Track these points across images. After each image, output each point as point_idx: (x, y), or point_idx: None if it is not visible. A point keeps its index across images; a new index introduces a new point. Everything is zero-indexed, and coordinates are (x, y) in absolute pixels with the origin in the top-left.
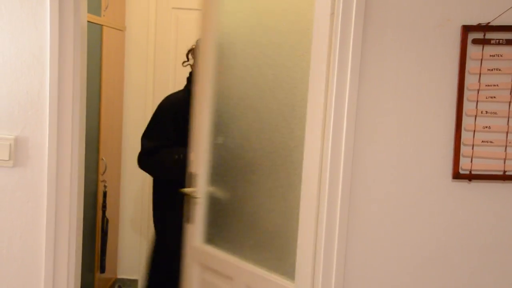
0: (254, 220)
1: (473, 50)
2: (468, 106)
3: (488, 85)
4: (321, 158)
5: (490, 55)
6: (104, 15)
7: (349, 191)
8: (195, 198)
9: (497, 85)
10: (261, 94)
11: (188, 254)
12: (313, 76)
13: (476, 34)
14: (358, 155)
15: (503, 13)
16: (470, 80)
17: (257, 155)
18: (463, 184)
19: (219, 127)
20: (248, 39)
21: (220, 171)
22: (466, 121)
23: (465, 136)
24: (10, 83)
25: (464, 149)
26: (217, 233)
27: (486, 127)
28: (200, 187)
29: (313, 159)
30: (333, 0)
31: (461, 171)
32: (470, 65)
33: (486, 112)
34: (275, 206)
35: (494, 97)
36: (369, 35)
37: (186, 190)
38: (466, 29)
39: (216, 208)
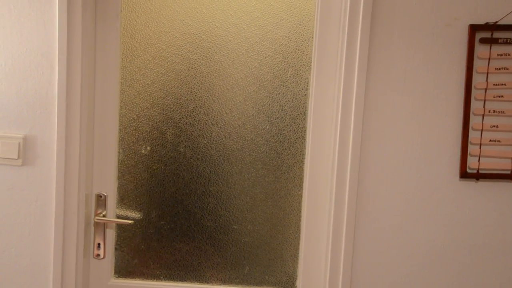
0: (221, 234)
1: (480, 49)
2: (475, 105)
3: (496, 84)
4: (328, 159)
5: (498, 54)
6: None
7: (356, 191)
8: (105, 222)
9: (505, 84)
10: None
11: None
12: (319, 75)
13: (483, 33)
14: (365, 154)
15: (510, 12)
16: (478, 79)
17: (224, 162)
18: (470, 183)
19: (140, 135)
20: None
21: (142, 189)
22: (474, 120)
23: (473, 135)
24: (18, 82)
25: (471, 148)
26: (144, 261)
27: (494, 126)
28: (112, 210)
29: (319, 161)
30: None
31: (468, 170)
32: (478, 64)
33: (494, 111)
34: (257, 214)
35: (502, 96)
36: (377, 34)
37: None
38: (474, 28)
39: (129, 235)
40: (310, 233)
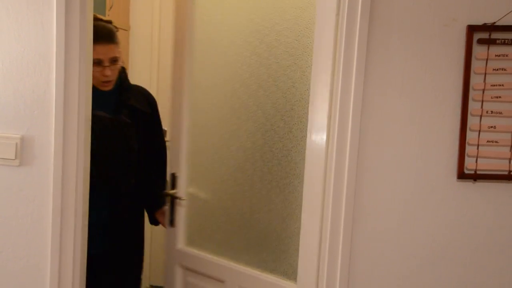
0: (246, 221)
1: (478, 50)
2: (473, 106)
3: (494, 85)
4: (326, 159)
5: (496, 55)
6: (108, 15)
7: (354, 191)
8: (177, 199)
9: (503, 85)
10: (253, 93)
11: (170, 257)
12: (316, 76)
13: (481, 34)
14: (363, 155)
15: (508, 13)
16: (476, 80)
17: (248, 155)
18: (468, 184)
19: (201, 128)
20: (236, 38)
21: (202, 172)
22: (471, 121)
23: (470, 136)
24: (16, 82)
25: (469, 149)
26: (200, 235)
27: (491, 127)
28: (182, 188)
29: (317, 159)
30: (338, 0)
31: (466, 171)
32: (476, 65)
33: (491, 112)
34: (272, 206)
35: (500, 97)
36: (374, 35)
37: (168, 191)
38: (472, 29)
39: (198, 210)
40: (307, 233)
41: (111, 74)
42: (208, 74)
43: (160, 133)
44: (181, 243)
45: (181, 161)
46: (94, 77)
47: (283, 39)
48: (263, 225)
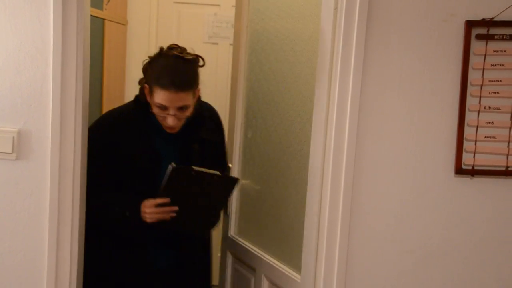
0: (273, 214)
1: (476, 46)
2: (471, 102)
3: (492, 81)
4: (324, 154)
5: (494, 51)
6: (106, 9)
7: (352, 185)
8: None
9: (501, 80)
10: (280, 89)
11: (223, 244)
12: (319, 72)
13: (479, 30)
14: (361, 150)
15: (507, 8)
16: (474, 76)
17: (276, 149)
18: (466, 180)
19: (248, 121)
20: (271, 34)
21: (249, 165)
22: (469, 117)
23: (468, 131)
24: (13, 76)
25: (466, 145)
26: (244, 225)
27: (489, 122)
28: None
29: (317, 155)
30: None
31: (463, 167)
32: (474, 61)
33: (489, 107)
34: (290, 200)
35: (497, 92)
36: (373, 30)
37: None
38: (470, 24)
39: (245, 200)
40: (308, 229)
41: (174, 124)
42: (252, 72)
43: (226, 164)
44: (232, 231)
45: (234, 153)
46: (157, 118)
47: (302, 35)
48: (284, 218)
